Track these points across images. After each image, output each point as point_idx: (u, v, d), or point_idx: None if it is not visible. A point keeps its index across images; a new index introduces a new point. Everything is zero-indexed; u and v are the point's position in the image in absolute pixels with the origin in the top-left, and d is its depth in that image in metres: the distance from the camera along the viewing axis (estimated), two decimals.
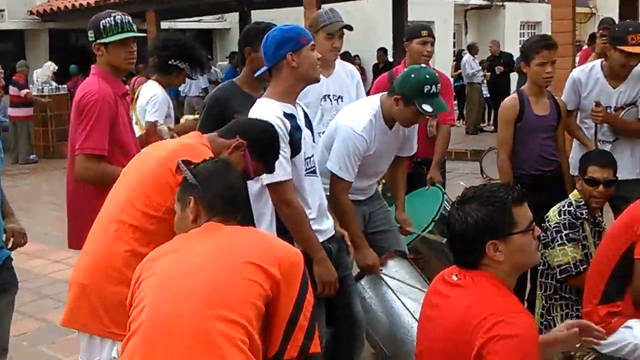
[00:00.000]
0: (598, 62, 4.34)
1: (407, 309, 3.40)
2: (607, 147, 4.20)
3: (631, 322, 3.11)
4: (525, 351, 1.92)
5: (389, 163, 3.74)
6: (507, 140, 4.19)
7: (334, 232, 3.26)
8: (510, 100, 4.29)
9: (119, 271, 2.44)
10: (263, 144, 2.70)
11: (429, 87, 3.32)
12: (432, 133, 4.76)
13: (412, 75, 3.38)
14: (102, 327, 2.48)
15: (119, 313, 2.33)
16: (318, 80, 3.15)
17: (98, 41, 3.37)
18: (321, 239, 3.09)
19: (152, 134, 3.89)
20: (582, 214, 3.63)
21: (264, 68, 3.08)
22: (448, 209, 4.21)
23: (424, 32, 4.65)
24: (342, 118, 3.55)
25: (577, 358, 3.29)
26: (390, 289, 3.52)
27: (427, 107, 3.32)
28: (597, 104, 4.17)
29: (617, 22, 8.54)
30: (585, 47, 8.91)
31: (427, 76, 3.36)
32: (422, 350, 2.22)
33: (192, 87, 14.03)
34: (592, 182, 3.60)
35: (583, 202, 3.65)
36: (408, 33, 4.74)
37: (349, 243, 3.37)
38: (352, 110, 3.60)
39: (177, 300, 1.98)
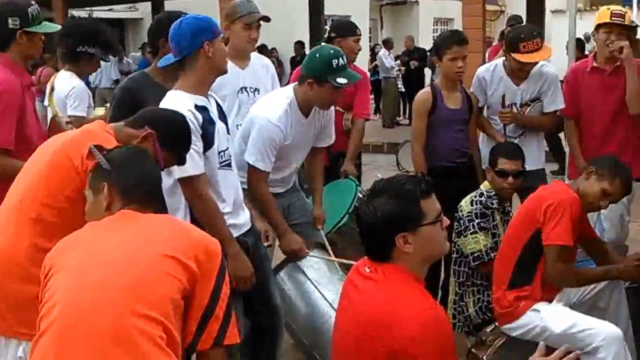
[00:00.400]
0: (500, 61, 4.48)
1: (326, 299, 3.43)
2: (516, 141, 4.34)
3: (539, 305, 3.25)
4: (441, 344, 1.98)
5: (306, 153, 3.76)
6: (420, 132, 4.30)
7: (250, 225, 3.26)
8: (423, 94, 4.39)
9: (23, 268, 2.35)
10: (173, 134, 2.62)
11: (336, 60, 3.37)
12: (348, 126, 4.81)
13: (317, 55, 3.44)
14: (6, 327, 2.40)
15: (24, 311, 2.26)
16: (226, 72, 3.12)
17: (25, 29, 3.24)
18: (237, 232, 3.08)
19: (54, 128, 3.78)
20: (492, 203, 3.77)
21: (173, 58, 3.01)
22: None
23: (359, 31, 4.76)
24: (257, 109, 3.56)
25: (489, 342, 3.42)
26: (309, 280, 3.55)
27: (341, 80, 3.37)
28: (504, 106, 4.31)
29: (524, 21, 8.93)
30: (495, 43, 9.21)
31: (332, 51, 3.42)
32: (338, 340, 2.25)
33: (102, 78, 13.63)
34: (502, 174, 3.74)
35: (493, 193, 3.79)
36: (341, 30, 4.77)
37: (268, 237, 3.39)
38: (267, 101, 3.61)
39: (93, 295, 1.92)
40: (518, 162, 3.78)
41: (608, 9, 4.29)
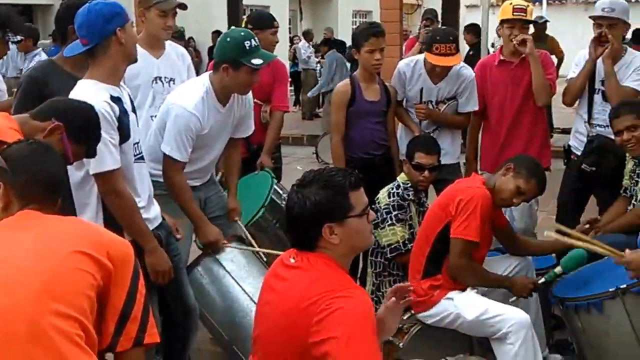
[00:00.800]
0: (421, 57, 4.55)
1: (246, 293, 3.43)
2: (431, 135, 4.45)
3: (452, 293, 3.35)
4: (361, 321, 2.00)
5: (224, 144, 3.73)
6: (339, 124, 4.34)
7: (161, 219, 3.22)
8: (342, 86, 4.44)
9: None
10: (81, 126, 2.53)
11: (248, 42, 3.37)
12: (266, 119, 4.81)
13: (228, 39, 3.43)
14: None
15: None
16: (136, 60, 3.04)
17: None
18: (150, 227, 3.04)
19: None
20: (408, 195, 3.85)
21: (81, 46, 2.88)
22: (281, 193, 4.33)
23: (276, 23, 4.77)
24: (172, 98, 3.50)
25: (405, 330, 3.51)
26: (229, 273, 3.54)
27: (256, 61, 3.36)
28: (421, 102, 4.41)
29: (439, 15, 9.11)
30: (411, 36, 9.38)
31: (242, 33, 3.42)
32: (259, 334, 2.26)
33: (9, 67, 13.05)
34: (418, 167, 3.83)
35: (410, 184, 3.87)
36: (258, 22, 4.73)
37: (178, 230, 3.37)
38: (183, 89, 3.56)
39: (2, 296, 1.84)
40: (434, 157, 3.87)
41: (510, 3, 4.41)
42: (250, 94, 3.74)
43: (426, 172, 3.83)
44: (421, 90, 4.42)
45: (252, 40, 3.40)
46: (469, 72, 4.51)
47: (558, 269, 3.36)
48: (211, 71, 3.56)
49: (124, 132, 2.87)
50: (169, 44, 4.04)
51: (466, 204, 3.26)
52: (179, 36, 9.39)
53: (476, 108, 4.49)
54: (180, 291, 3.34)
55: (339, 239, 2.14)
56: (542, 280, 3.37)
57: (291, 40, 16.96)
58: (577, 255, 3.33)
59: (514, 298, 3.42)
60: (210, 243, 3.56)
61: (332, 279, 2.09)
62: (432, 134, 4.43)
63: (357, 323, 1.99)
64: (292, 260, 2.21)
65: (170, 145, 3.40)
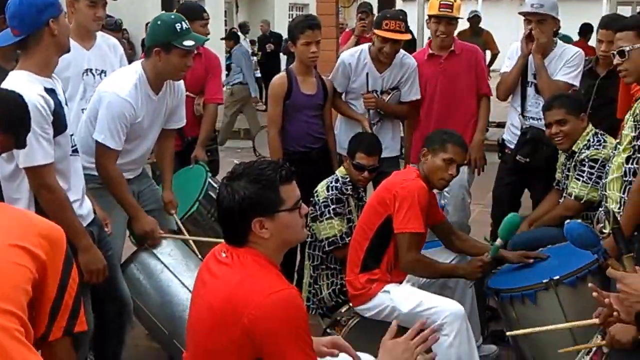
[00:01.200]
0: (366, 46, 4.57)
1: (185, 286, 3.38)
2: (373, 128, 4.47)
3: (389, 286, 3.38)
4: (292, 323, 2.00)
5: (157, 135, 3.66)
6: (276, 117, 4.32)
7: (94, 215, 3.15)
8: (278, 79, 4.41)
9: None
10: (8, 116, 2.45)
11: (179, 25, 3.34)
12: (199, 111, 4.77)
13: (159, 23, 3.38)
14: None
15: None
16: (69, 50, 2.98)
17: None
18: (84, 223, 2.98)
19: None
20: (347, 189, 3.86)
21: (11, 36, 2.81)
22: (216, 187, 4.27)
23: (206, 15, 4.71)
24: (104, 86, 3.43)
25: (343, 322, 3.51)
26: (167, 267, 3.50)
27: (188, 43, 3.33)
28: (368, 92, 4.41)
29: (374, 8, 9.16)
30: (347, 29, 9.39)
31: (172, 16, 3.39)
32: (191, 329, 2.23)
33: None
34: (358, 167, 3.84)
35: (348, 179, 3.88)
36: (188, 14, 4.64)
37: (107, 225, 3.28)
38: (114, 77, 3.49)
39: None
40: (375, 158, 3.89)
41: None
42: (182, 84, 3.70)
43: (366, 173, 3.85)
44: (367, 75, 4.41)
45: (183, 22, 3.36)
46: (412, 60, 4.56)
47: (498, 241, 3.44)
48: (143, 59, 3.49)
49: (59, 124, 2.80)
50: (100, 35, 3.94)
51: (404, 197, 3.29)
52: (116, 28, 9.13)
53: (418, 97, 4.52)
54: (114, 288, 3.28)
55: (270, 234, 2.12)
56: (489, 257, 3.41)
57: (228, 33, 16.74)
58: (510, 222, 3.42)
59: (471, 284, 3.47)
60: (147, 233, 3.50)
61: (262, 278, 2.07)
62: (374, 126, 4.45)
63: (288, 323, 1.99)
64: (223, 255, 2.18)
65: (103, 133, 3.31)
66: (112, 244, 3.31)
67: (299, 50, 4.27)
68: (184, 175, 4.33)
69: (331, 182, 3.88)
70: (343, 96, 4.60)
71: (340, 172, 3.95)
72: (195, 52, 4.66)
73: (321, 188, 3.89)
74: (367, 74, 4.42)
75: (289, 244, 2.25)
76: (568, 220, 2.70)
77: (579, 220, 2.55)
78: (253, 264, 2.11)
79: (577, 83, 4.36)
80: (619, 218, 2.80)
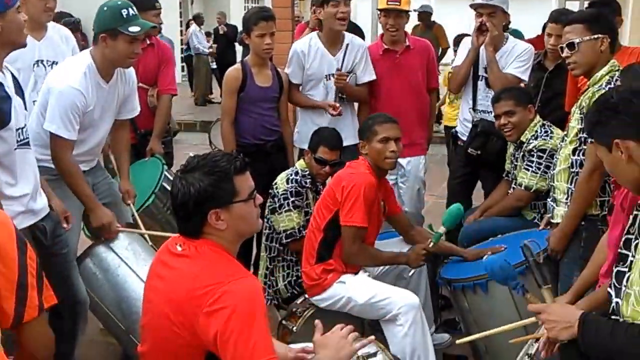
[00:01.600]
0: (314, 33, 4.57)
1: (143, 280, 3.32)
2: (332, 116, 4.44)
3: (344, 277, 3.39)
4: (250, 308, 1.99)
5: (110, 125, 3.62)
6: (230, 109, 4.30)
7: (49, 210, 3.08)
8: (233, 71, 4.38)
9: None
10: None
11: (126, 11, 3.30)
12: (153, 103, 4.69)
13: (105, 9, 3.34)
14: None
15: None
16: (25, 45, 2.92)
17: None
18: (36, 218, 2.93)
19: None
20: (306, 182, 3.86)
21: None
22: (171, 179, 4.22)
23: (158, 5, 4.64)
24: (53, 77, 3.37)
25: (299, 314, 3.51)
26: (124, 262, 3.45)
27: (133, 29, 3.29)
28: (328, 78, 4.39)
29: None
30: (302, 22, 9.35)
31: (119, 2, 3.34)
32: (147, 322, 2.21)
33: None
34: (320, 162, 3.83)
35: (308, 172, 3.88)
36: (139, 3, 4.57)
37: (68, 219, 3.23)
38: (63, 68, 3.43)
39: None
40: (337, 152, 3.88)
41: None
42: (133, 73, 3.66)
43: (327, 167, 3.84)
44: (321, 62, 4.40)
45: (130, 9, 3.32)
46: (361, 41, 4.59)
47: (441, 229, 3.46)
48: (92, 48, 3.44)
49: (3, 118, 2.72)
50: (52, 26, 3.87)
51: (350, 191, 3.31)
52: (75, 28, 8.88)
53: (373, 77, 4.52)
54: (70, 285, 3.22)
55: (226, 225, 2.12)
56: (432, 243, 3.45)
57: (188, 25, 16.55)
58: (454, 211, 3.45)
59: (412, 272, 3.50)
60: (104, 227, 3.45)
61: (221, 268, 2.07)
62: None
63: (247, 310, 1.98)
64: (179, 248, 2.17)
65: (55, 123, 3.26)
66: (68, 241, 3.25)
67: (253, 42, 4.24)
68: (139, 168, 4.27)
69: (291, 175, 3.87)
70: (301, 89, 4.59)
71: (300, 165, 3.95)
72: (148, 42, 4.64)
73: (280, 180, 3.88)
74: (321, 62, 4.41)
75: (244, 234, 2.24)
76: (487, 255, 2.75)
77: (496, 254, 2.62)
78: (211, 254, 2.10)
79: (526, 78, 4.44)
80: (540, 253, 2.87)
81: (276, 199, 3.81)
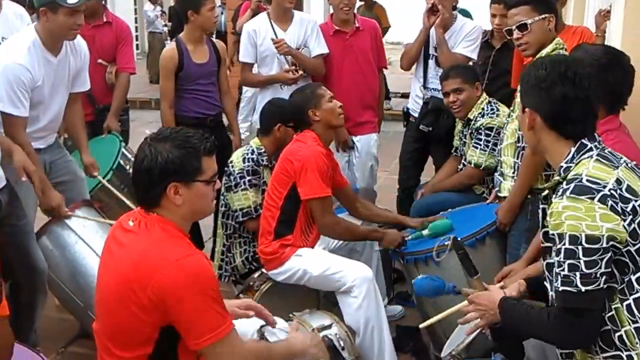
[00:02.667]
0: (264, 13, 4.54)
1: (99, 256, 3.28)
2: (290, 88, 4.31)
3: (301, 250, 3.37)
4: (199, 288, 1.98)
5: (64, 100, 3.53)
6: (168, 90, 4.26)
7: (5, 182, 3.01)
8: (168, 51, 4.32)
9: None
10: None
11: None
12: (111, 80, 4.61)
13: None
14: None
15: None
16: None
17: None
18: None
19: None
20: (263, 160, 3.81)
21: None
22: (129, 156, 4.14)
23: None
24: None
25: (256, 287, 3.50)
26: (81, 239, 3.40)
27: (72, 0, 3.22)
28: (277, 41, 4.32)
29: None
30: (246, 1, 9.25)
31: None
32: (99, 299, 2.18)
33: None
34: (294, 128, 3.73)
35: (264, 150, 3.83)
36: None
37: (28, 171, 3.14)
38: (7, 44, 3.34)
39: None
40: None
41: None
42: (84, 45, 3.60)
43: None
44: (274, 33, 4.36)
45: None
46: (310, 16, 4.59)
47: (425, 232, 3.45)
48: (36, 23, 3.36)
49: None
50: (6, 4, 3.76)
51: (303, 164, 3.28)
52: (30, 4, 8.54)
53: (326, 51, 4.48)
54: (28, 255, 3.17)
55: (182, 201, 2.10)
56: (410, 237, 3.46)
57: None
58: (445, 225, 3.43)
59: (378, 248, 3.51)
60: (52, 209, 3.38)
61: (168, 246, 2.04)
62: (290, 87, 4.39)
63: (196, 287, 1.97)
64: (131, 224, 2.14)
65: (2, 101, 3.17)
66: (26, 214, 3.19)
67: (203, 16, 4.19)
68: (96, 144, 4.19)
69: (247, 154, 3.82)
70: (257, 68, 4.52)
71: (255, 143, 3.89)
72: (104, 20, 4.54)
73: (237, 159, 3.82)
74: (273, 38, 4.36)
75: (197, 214, 2.23)
76: (414, 280, 2.78)
77: (420, 276, 2.71)
78: (160, 232, 2.08)
79: (474, 56, 4.47)
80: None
81: (232, 177, 3.77)
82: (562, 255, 1.88)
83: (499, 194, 3.35)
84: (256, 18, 4.58)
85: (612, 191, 1.87)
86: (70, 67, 3.47)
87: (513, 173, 3.23)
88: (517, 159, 3.20)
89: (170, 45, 4.36)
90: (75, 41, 3.49)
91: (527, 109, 2.08)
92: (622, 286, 1.89)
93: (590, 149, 2.00)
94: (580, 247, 1.84)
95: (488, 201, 3.63)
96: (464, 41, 4.43)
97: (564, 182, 1.95)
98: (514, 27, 3.17)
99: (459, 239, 3.13)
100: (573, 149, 2.01)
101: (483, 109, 3.88)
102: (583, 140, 2.02)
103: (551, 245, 1.99)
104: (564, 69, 2.03)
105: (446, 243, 3.15)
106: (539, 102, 2.05)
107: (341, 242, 3.71)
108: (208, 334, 1.98)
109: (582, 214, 1.85)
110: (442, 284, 2.62)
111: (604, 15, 4.41)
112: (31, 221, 3.37)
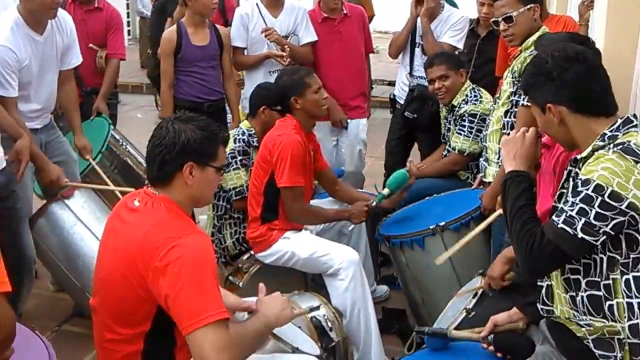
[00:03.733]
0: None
1: (98, 238, 3.24)
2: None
3: (288, 233, 3.37)
4: (200, 267, 1.95)
5: (54, 78, 3.49)
6: (167, 71, 4.24)
7: (4, 164, 2.98)
8: (168, 33, 4.30)
9: None
10: None
11: None
12: (101, 64, 4.58)
13: None
14: None
15: None
16: None
17: None
18: None
19: None
20: (253, 142, 3.79)
21: None
22: (118, 139, 4.11)
23: None
24: None
25: (244, 270, 3.48)
26: (80, 220, 3.39)
27: None
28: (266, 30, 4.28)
29: None
30: None
31: None
32: (101, 276, 2.17)
33: None
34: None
35: (254, 132, 3.81)
36: None
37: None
38: None
39: None
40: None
41: None
42: (70, 21, 3.56)
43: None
44: (263, 21, 4.32)
45: None
46: (300, 4, 4.54)
47: (385, 191, 3.48)
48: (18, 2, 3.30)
49: None
50: None
51: (280, 152, 3.27)
52: None
53: (315, 39, 4.46)
54: (19, 241, 3.15)
55: (193, 182, 2.11)
56: (374, 203, 3.46)
57: None
58: (399, 176, 3.48)
59: (351, 227, 3.54)
60: (52, 182, 3.37)
61: (172, 224, 2.04)
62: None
63: (197, 265, 1.94)
64: (137, 204, 2.13)
65: None
66: (22, 198, 3.16)
67: (201, 2, 4.14)
68: (85, 127, 4.14)
69: (237, 135, 3.79)
70: (247, 54, 4.49)
71: (244, 125, 3.86)
72: (95, 6, 4.50)
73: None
74: (264, 24, 4.33)
75: (201, 199, 2.23)
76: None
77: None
78: (165, 211, 2.08)
79: (461, 46, 4.47)
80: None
81: None
82: (578, 197, 1.84)
83: (484, 180, 3.36)
84: (248, 2, 4.53)
85: None
86: (57, 44, 3.42)
87: (498, 159, 3.23)
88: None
89: (171, 27, 4.34)
90: (60, 17, 3.45)
91: (548, 105, 2.00)
92: (626, 260, 1.86)
93: (636, 125, 1.95)
94: (599, 198, 1.80)
95: (473, 187, 3.63)
96: (450, 30, 4.42)
97: (611, 145, 1.88)
98: (500, 19, 3.17)
99: (443, 223, 3.16)
100: (620, 120, 1.95)
101: (467, 95, 3.88)
102: (629, 116, 1.97)
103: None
104: (564, 52, 2.00)
105: (431, 227, 3.17)
106: (558, 93, 1.98)
107: (329, 224, 3.70)
108: (199, 315, 1.91)
109: (619, 171, 1.80)
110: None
111: (587, 5, 4.40)
112: (25, 207, 3.33)
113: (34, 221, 3.38)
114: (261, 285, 2.34)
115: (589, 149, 1.93)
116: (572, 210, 1.85)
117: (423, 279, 3.24)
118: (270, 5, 4.37)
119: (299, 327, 2.73)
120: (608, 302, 1.89)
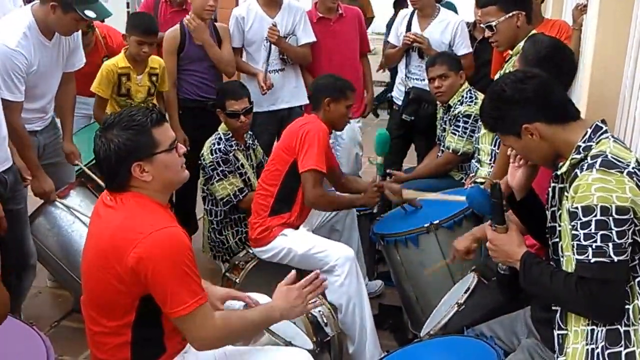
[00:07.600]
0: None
1: None
2: (277, 75, 4.41)
3: (286, 230, 3.40)
4: (174, 260, 1.98)
5: (58, 80, 3.49)
6: (170, 70, 4.26)
7: (11, 163, 3.00)
8: (171, 32, 4.33)
9: None
10: None
11: None
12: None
13: None
14: None
15: None
16: None
17: None
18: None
19: None
20: (232, 146, 3.78)
21: None
22: None
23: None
24: None
25: (241, 266, 3.51)
26: (79, 218, 3.41)
27: (90, 13, 3.15)
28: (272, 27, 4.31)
29: None
30: None
31: None
32: (83, 271, 2.20)
33: None
34: (233, 115, 3.75)
35: (231, 134, 3.80)
36: None
37: (26, 177, 3.14)
38: (2, 25, 3.23)
39: None
40: (245, 100, 3.78)
41: None
42: None
43: (242, 117, 3.75)
44: (260, 21, 4.35)
45: None
46: (299, 4, 4.56)
47: (379, 159, 3.52)
48: (36, 2, 3.25)
49: None
50: None
51: (306, 137, 3.29)
52: None
53: (314, 39, 4.49)
54: (21, 242, 3.16)
55: (151, 176, 2.08)
56: (379, 177, 3.52)
57: None
58: (382, 138, 3.50)
59: (350, 225, 3.55)
60: (44, 194, 3.38)
61: (144, 219, 2.03)
62: (277, 74, 4.41)
63: (169, 258, 1.97)
64: (109, 199, 2.15)
65: None
66: (24, 199, 3.17)
67: (197, 3, 4.18)
68: (86, 130, 4.20)
69: (214, 145, 3.74)
70: (244, 54, 4.51)
71: (222, 129, 3.83)
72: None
73: (206, 151, 3.76)
74: (261, 25, 4.36)
75: (172, 184, 2.20)
76: (471, 185, 2.76)
77: (481, 187, 2.59)
78: (135, 205, 2.07)
79: (471, 49, 4.58)
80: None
81: (206, 170, 3.74)
82: (592, 226, 1.82)
83: (476, 180, 3.39)
84: (244, 4, 4.55)
85: (635, 169, 1.85)
86: (63, 50, 3.42)
87: (490, 160, 3.26)
88: (494, 146, 3.24)
89: (175, 27, 4.35)
90: None
91: (525, 127, 1.98)
92: (633, 264, 1.87)
93: (606, 131, 1.97)
94: (611, 218, 1.80)
95: (465, 186, 3.66)
96: (459, 39, 4.51)
97: (588, 158, 1.90)
98: (484, 27, 3.27)
99: (436, 221, 3.19)
100: (589, 130, 1.96)
101: (463, 96, 3.93)
102: (597, 123, 1.99)
103: (556, 225, 1.98)
104: (514, 77, 2.03)
105: (425, 225, 3.20)
106: (528, 111, 1.98)
107: (322, 220, 3.73)
108: (178, 306, 1.98)
109: (612, 186, 1.81)
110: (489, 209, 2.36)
111: (580, 9, 4.42)
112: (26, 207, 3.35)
113: (32, 220, 3.39)
114: (293, 272, 2.32)
115: (567, 163, 1.95)
116: (595, 242, 1.83)
117: (417, 276, 3.27)
118: (268, 6, 4.40)
119: (294, 322, 2.77)
120: (625, 306, 1.88)
